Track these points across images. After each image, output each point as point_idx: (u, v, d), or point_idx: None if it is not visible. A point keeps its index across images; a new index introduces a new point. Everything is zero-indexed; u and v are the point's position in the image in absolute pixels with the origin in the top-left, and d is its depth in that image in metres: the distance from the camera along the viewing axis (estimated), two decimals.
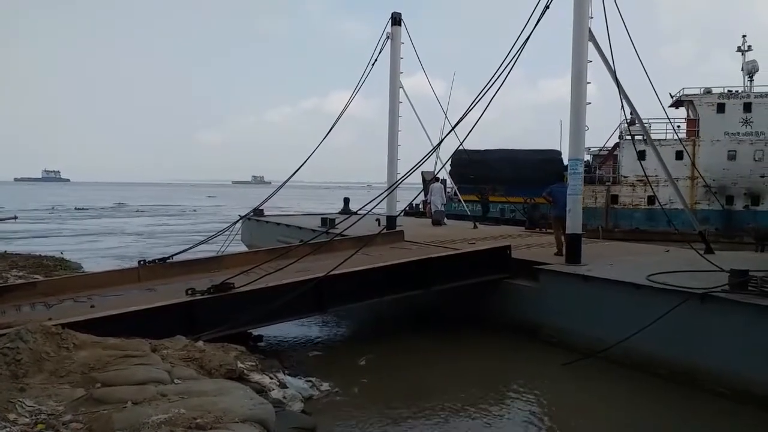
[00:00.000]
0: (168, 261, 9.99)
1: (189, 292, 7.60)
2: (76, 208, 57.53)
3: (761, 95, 28.91)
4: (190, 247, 11.50)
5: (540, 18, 10.08)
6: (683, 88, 29.28)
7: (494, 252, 10.63)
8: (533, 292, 9.75)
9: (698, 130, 28.89)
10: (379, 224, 14.13)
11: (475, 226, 16.82)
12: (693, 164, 27.40)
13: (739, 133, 28.59)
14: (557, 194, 11.01)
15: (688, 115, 30.68)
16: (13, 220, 38.38)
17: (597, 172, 31.35)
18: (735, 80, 31.12)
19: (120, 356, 5.65)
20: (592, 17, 10.16)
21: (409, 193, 23.63)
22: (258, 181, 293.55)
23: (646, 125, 28.03)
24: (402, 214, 15.41)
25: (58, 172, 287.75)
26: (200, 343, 6.59)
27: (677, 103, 30.26)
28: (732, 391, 6.86)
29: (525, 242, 13.05)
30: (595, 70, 10.47)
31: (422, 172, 26.27)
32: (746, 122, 28.53)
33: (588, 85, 10.21)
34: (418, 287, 9.62)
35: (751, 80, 30.53)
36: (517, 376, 8.24)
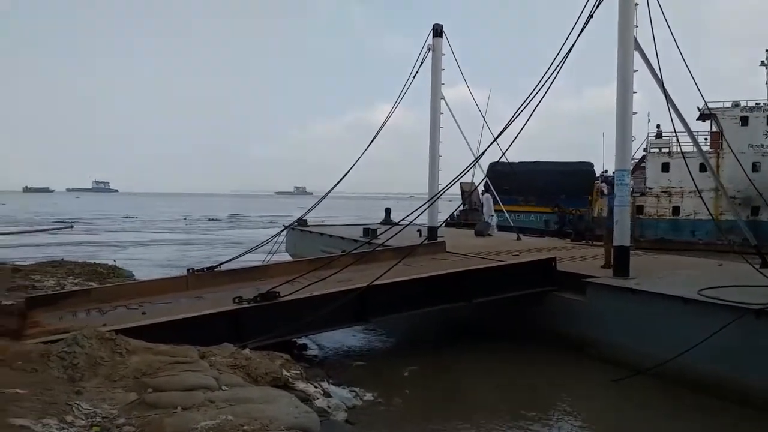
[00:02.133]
0: (215, 270, 10.21)
1: (236, 300, 7.74)
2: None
3: None
4: (237, 256, 11.75)
5: (583, 28, 9.95)
6: (707, 102, 29.08)
7: (539, 264, 10.48)
8: (580, 306, 9.55)
9: (722, 143, 28.78)
10: (420, 235, 14.12)
11: (519, 238, 16.62)
12: (716, 175, 27.26)
13: (763, 145, 28.60)
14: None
15: (711, 128, 30.71)
16: (70, 229, 39.94)
17: None
18: None
19: (170, 362, 5.79)
20: (637, 26, 9.98)
21: (451, 204, 23.57)
22: (300, 191, 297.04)
23: (673, 138, 27.89)
24: (443, 224, 15.36)
25: (108, 182, 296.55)
26: (247, 351, 6.69)
27: (702, 117, 30.30)
28: None
29: (570, 254, 12.81)
30: (636, 77, 10.21)
31: (461, 183, 26.40)
32: None
33: (634, 94, 10.01)
34: (460, 299, 9.56)
35: None
36: (562, 392, 8.08)
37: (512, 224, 19.14)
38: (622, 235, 9.92)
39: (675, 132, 11.61)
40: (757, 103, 29.40)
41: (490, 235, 18.19)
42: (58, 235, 35.41)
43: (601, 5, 9.93)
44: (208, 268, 10.26)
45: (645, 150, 30.74)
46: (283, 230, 15.78)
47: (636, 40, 10.02)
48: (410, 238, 12.70)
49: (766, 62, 30.98)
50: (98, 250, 27.50)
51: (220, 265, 10.62)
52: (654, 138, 30.42)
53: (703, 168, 26.00)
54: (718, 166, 27.97)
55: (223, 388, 5.51)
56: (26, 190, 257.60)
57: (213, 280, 9.92)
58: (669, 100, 10.51)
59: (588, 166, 33.31)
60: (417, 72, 15.08)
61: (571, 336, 9.47)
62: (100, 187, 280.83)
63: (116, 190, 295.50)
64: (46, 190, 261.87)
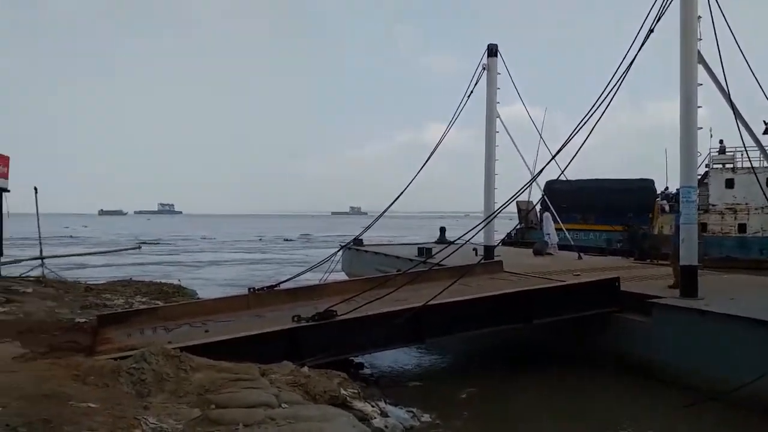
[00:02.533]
0: (275, 289, 10.44)
1: (295, 319, 7.88)
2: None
3: None
4: (295, 276, 11.97)
5: (643, 43, 9.73)
6: None
7: (602, 284, 10.18)
8: (645, 328, 9.20)
9: None
10: (476, 254, 13.99)
11: (579, 257, 16.22)
12: None
13: None
14: None
15: None
16: (138, 250, 41.55)
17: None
18: None
19: (232, 379, 5.93)
20: (701, 39, 9.67)
21: (510, 223, 23.32)
22: (355, 211, 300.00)
23: (736, 153, 26.56)
24: (500, 243, 15.18)
25: (172, 205, 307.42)
26: (305, 369, 6.77)
27: None
28: None
29: (634, 274, 12.38)
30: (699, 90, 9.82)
31: (517, 202, 26.14)
32: None
33: (698, 108, 9.67)
34: (519, 320, 9.38)
35: None
36: (630, 418, 7.76)
37: (572, 243, 18.67)
38: (689, 254, 9.54)
39: (744, 146, 11.11)
40: None
41: (549, 254, 17.84)
42: (139, 255, 37.17)
43: (662, 18, 9.71)
44: (267, 288, 10.50)
45: (707, 166, 29.48)
46: (339, 250, 15.99)
47: (699, 53, 9.72)
48: (466, 257, 12.60)
49: None
50: (177, 269, 28.82)
51: (279, 284, 10.85)
52: (717, 153, 29.30)
53: None
54: None
55: (283, 405, 5.59)
56: (101, 213, 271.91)
57: (273, 299, 10.13)
58: (737, 114, 10.06)
59: (648, 183, 32.52)
60: (471, 92, 15.13)
61: (636, 359, 9.13)
62: (166, 209, 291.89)
63: (180, 212, 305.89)
64: (119, 213, 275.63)
